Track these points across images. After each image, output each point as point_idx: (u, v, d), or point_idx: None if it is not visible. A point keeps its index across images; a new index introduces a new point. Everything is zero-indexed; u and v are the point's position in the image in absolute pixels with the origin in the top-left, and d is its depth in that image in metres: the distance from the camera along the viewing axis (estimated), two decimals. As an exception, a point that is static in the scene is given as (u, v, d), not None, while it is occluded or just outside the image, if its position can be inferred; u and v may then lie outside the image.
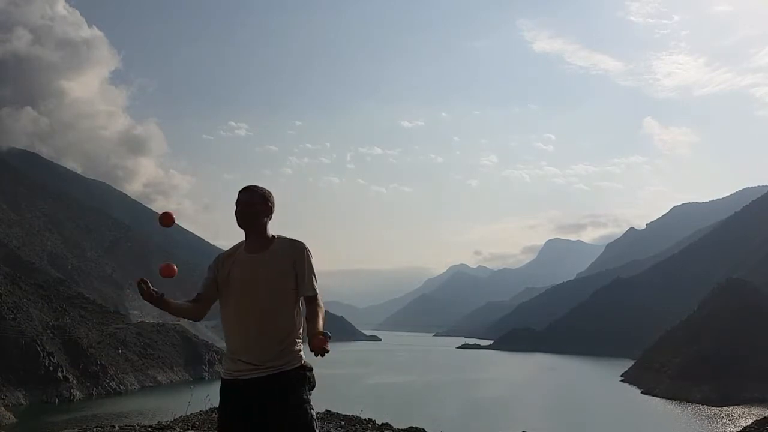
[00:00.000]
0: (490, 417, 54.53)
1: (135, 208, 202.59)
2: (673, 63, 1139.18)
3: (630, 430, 58.22)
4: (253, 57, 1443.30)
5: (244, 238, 3.67)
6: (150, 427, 9.05)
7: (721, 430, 58.85)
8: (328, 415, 10.72)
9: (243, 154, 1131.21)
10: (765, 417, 17.72)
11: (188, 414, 10.30)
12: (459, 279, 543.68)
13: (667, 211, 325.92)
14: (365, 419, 10.68)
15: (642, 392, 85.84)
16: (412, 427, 10.39)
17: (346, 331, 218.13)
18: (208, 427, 8.92)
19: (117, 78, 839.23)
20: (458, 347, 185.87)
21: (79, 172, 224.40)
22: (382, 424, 10.41)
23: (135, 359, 74.00)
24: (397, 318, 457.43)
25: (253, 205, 3.60)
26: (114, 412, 50.94)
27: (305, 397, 3.51)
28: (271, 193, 3.69)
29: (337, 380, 71.72)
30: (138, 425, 9.28)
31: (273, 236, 3.64)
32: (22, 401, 56.43)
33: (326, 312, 3.64)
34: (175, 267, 3.32)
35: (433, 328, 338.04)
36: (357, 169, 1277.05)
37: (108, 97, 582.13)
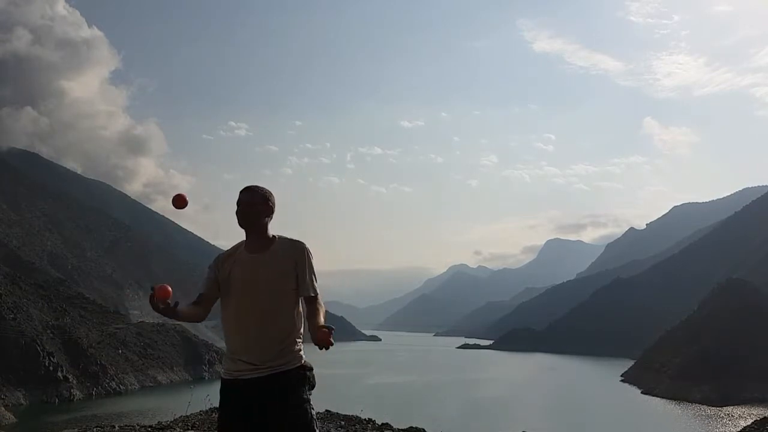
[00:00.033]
0: (490, 417, 54.52)
1: (135, 208, 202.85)
2: (673, 63, 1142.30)
3: (630, 430, 58.20)
4: (253, 57, 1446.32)
5: (243, 238, 3.66)
6: (150, 427, 9.04)
7: (721, 430, 58.83)
8: (328, 415, 10.71)
9: (243, 154, 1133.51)
10: (765, 417, 17.69)
11: (188, 414, 10.29)
12: (459, 279, 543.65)
13: (667, 211, 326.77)
14: (365, 419, 10.68)
15: (642, 392, 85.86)
16: (412, 427, 10.38)
17: (346, 331, 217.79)
18: (208, 427, 8.92)
19: (117, 78, 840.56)
20: (458, 347, 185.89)
21: (79, 172, 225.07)
22: (382, 424, 10.40)
23: (135, 359, 73.99)
24: (397, 318, 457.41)
25: (255, 205, 3.60)
26: (114, 412, 50.93)
27: (305, 396, 3.51)
28: (271, 194, 3.68)
29: (337, 380, 71.74)
30: (138, 425, 9.27)
31: (274, 236, 3.64)
32: (22, 401, 56.41)
33: (326, 312, 3.64)
34: (170, 288, 3.31)
35: (433, 328, 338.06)
36: (357, 169, 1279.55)
37: (108, 97, 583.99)
